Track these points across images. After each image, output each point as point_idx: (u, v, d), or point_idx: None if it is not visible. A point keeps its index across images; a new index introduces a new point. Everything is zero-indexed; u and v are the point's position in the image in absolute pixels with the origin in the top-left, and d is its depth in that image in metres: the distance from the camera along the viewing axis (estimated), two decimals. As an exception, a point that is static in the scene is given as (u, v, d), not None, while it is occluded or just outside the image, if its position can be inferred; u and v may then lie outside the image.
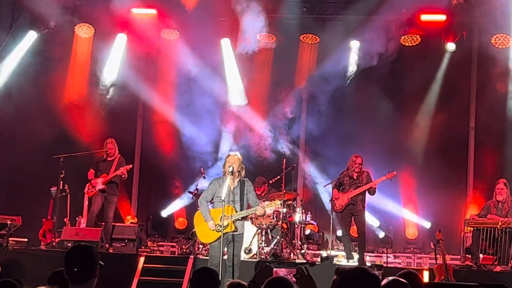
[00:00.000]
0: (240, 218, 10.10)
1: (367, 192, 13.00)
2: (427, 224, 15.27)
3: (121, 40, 15.61)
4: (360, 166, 13.02)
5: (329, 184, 13.74)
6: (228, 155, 10.38)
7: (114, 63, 15.65)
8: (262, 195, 14.07)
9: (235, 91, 15.73)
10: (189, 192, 14.34)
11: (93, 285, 4.59)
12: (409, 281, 4.76)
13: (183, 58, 15.52)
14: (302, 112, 16.13)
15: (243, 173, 10.29)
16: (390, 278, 4.60)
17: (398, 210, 15.47)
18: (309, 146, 15.96)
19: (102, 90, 15.69)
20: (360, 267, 4.10)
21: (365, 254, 13.29)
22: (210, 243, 10.23)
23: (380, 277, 5.28)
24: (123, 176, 13.70)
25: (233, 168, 10.06)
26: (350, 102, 15.55)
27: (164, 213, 16.09)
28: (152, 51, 15.63)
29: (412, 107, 15.67)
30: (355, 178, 13.03)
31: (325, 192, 14.87)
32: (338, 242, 14.68)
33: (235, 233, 10.03)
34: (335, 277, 3.94)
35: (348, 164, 13.18)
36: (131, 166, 14.11)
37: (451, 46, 15.00)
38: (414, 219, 15.56)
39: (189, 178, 15.37)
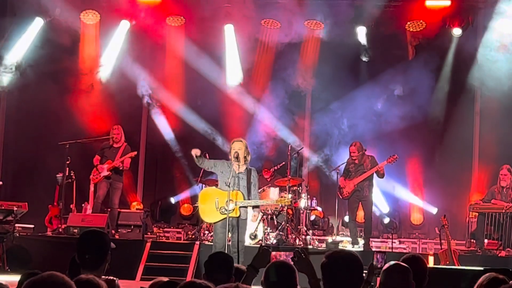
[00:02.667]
0: (246, 206, 10.13)
1: (375, 175, 13.00)
2: (433, 210, 15.26)
3: (124, 26, 15.59)
4: (355, 154, 12.98)
5: (334, 170, 13.76)
6: (233, 141, 10.35)
7: (117, 50, 15.63)
8: (268, 180, 14.10)
9: (236, 76, 15.70)
10: (194, 179, 14.39)
11: (104, 270, 4.64)
12: (414, 265, 4.78)
13: (188, 44, 15.51)
14: (307, 99, 16.10)
15: (249, 158, 10.30)
16: (392, 262, 4.63)
17: (405, 195, 15.48)
18: (314, 131, 15.93)
19: (106, 76, 15.67)
20: (343, 250, 4.42)
21: (371, 239, 13.33)
22: (213, 223, 10.24)
23: (382, 262, 5.30)
24: (121, 167, 13.71)
25: (238, 154, 10.07)
26: (356, 88, 15.50)
27: (173, 200, 16.12)
28: (157, 37, 15.60)
29: (419, 94, 15.61)
30: (360, 164, 13.03)
31: (330, 177, 14.86)
32: (344, 227, 14.70)
33: (238, 218, 10.04)
34: (323, 259, 4.17)
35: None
36: (135, 153, 14.13)
37: (457, 32, 14.93)
38: (420, 205, 15.56)
39: (195, 163, 15.39)
